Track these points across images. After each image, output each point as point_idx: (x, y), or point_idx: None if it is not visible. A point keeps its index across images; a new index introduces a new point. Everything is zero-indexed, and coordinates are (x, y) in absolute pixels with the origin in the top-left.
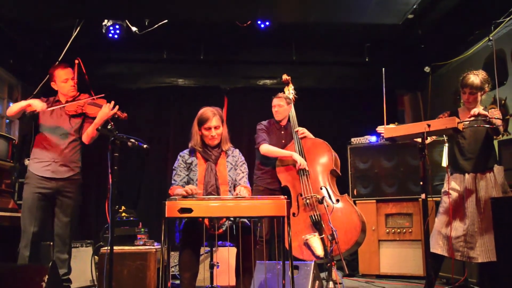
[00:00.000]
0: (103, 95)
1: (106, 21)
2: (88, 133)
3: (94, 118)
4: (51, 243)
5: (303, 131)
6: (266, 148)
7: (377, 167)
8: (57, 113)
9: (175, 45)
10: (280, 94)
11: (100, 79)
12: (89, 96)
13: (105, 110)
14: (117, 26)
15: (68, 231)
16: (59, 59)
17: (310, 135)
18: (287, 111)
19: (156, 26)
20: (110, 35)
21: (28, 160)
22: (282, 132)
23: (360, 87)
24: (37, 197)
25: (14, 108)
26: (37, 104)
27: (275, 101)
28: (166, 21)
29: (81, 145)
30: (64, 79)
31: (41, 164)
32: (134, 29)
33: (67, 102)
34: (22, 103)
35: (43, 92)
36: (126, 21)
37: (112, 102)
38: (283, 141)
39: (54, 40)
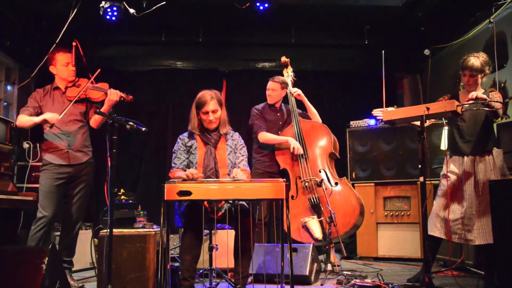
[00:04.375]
0: (99, 70)
1: (103, 2)
2: (96, 119)
3: (98, 102)
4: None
5: (296, 90)
6: (264, 137)
7: (375, 150)
8: (59, 101)
9: (174, 27)
10: (276, 78)
11: (98, 61)
12: (88, 80)
13: (111, 97)
14: (114, 8)
15: (79, 213)
16: (57, 41)
17: (304, 97)
18: (281, 95)
19: (154, 7)
20: (108, 17)
21: (27, 143)
22: (278, 114)
23: (359, 70)
24: (56, 183)
25: (27, 123)
26: (51, 118)
27: (269, 85)
28: (164, 2)
29: (89, 130)
30: (65, 63)
31: (58, 153)
32: (132, 11)
33: (67, 88)
34: (36, 119)
35: (40, 75)
36: (124, 2)
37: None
38: (280, 123)
39: (52, 22)
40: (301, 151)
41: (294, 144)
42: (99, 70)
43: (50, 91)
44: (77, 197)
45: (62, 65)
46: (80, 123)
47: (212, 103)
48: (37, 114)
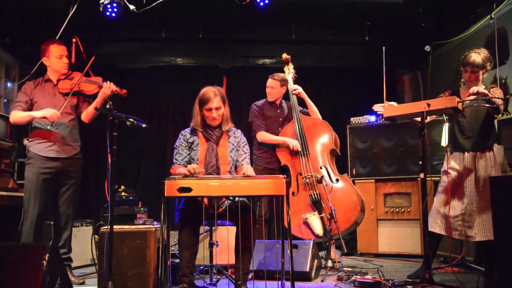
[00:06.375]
0: (93, 58)
1: None
2: (88, 112)
3: (91, 95)
4: (51, 223)
5: (296, 87)
6: (263, 137)
7: (376, 147)
8: (50, 93)
9: (174, 23)
10: (276, 76)
11: (98, 58)
12: (81, 73)
13: (104, 90)
14: (114, 4)
15: (71, 211)
16: (57, 38)
17: (305, 94)
18: (280, 93)
19: (154, 4)
20: (108, 13)
21: (27, 140)
22: (278, 111)
23: (360, 66)
24: (42, 178)
25: (24, 118)
26: (52, 115)
27: (269, 82)
28: None
29: (79, 124)
30: (58, 55)
31: (44, 145)
32: (131, 7)
33: (59, 80)
34: (35, 114)
35: (39, 72)
36: None
37: (110, 82)
38: (280, 119)
39: (51, 19)
40: (299, 148)
41: (292, 142)
42: (93, 58)
43: (41, 83)
44: (67, 195)
45: (56, 57)
46: (71, 115)
47: (216, 100)
48: (29, 108)
